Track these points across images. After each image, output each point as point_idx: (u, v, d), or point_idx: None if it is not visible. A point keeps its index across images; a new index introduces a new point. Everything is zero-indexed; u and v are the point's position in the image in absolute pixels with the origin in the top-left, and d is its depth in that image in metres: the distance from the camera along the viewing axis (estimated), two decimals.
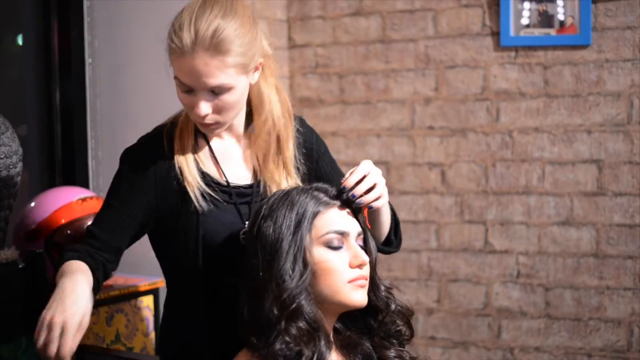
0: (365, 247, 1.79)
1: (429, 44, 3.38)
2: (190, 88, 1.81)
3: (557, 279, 3.21)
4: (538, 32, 3.18)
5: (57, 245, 2.51)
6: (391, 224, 2.00)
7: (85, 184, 3.06)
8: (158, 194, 1.91)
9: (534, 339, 3.25)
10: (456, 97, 3.34)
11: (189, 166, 1.90)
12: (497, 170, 3.29)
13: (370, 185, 1.80)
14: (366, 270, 1.76)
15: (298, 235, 1.71)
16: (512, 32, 3.21)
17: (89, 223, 2.46)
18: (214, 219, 1.90)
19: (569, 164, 3.17)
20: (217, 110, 1.83)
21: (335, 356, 1.76)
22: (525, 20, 3.19)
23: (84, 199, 2.57)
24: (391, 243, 2.05)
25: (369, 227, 1.87)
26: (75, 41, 3.10)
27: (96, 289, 1.82)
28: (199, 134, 1.94)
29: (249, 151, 1.99)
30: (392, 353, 1.83)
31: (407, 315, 1.86)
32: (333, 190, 1.80)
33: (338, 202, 1.78)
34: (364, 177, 1.80)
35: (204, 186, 1.90)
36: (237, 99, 1.84)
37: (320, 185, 1.81)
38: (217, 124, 1.87)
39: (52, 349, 1.64)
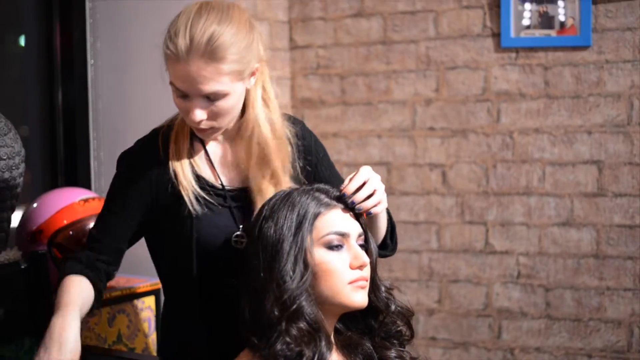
0: (366, 248, 1.80)
1: (429, 45, 3.38)
2: (186, 94, 1.81)
3: (558, 280, 3.21)
4: (538, 33, 3.19)
5: (59, 246, 2.52)
6: (387, 227, 2.00)
7: (87, 185, 3.07)
8: (153, 197, 1.92)
9: (535, 339, 3.26)
10: (457, 98, 3.35)
11: (184, 170, 1.90)
12: (498, 171, 3.30)
13: (370, 192, 1.80)
14: (367, 272, 1.76)
15: (299, 237, 1.71)
16: (512, 33, 3.22)
17: (91, 224, 2.48)
18: (208, 223, 1.91)
19: (569, 164, 3.18)
20: (212, 116, 1.82)
21: (336, 356, 1.77)
22: (525, 22, 3.20)
23: (86, 200, 2.57)
24: (387, 247, 2.05)
25: None
26: (78, 42, 3.10)
27: (98, 300, 1.91)
28: (195, 137, 1.94)
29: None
30: (392, 353, 1.84)
31: (407, 315, 1.86)
32: (334, 192, 1.80)
33: (339, 203, 1.79)
34: (364, 183, 1.80)
35: (198, 190, 1.90)
36: (232, 105, 1.84)
37: (321, 186, 1.82)
38: (213, 129, 1.86)
39: None
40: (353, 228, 1.77)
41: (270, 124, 1.93)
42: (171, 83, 1.82)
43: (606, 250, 3.14)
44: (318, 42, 3.58)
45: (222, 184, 1.94)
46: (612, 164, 3.11)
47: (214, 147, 1.97)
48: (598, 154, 3.13)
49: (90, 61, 3.10)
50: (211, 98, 1.80)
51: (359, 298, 1.74)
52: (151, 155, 1.93)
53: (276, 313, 1.67)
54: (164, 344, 2.10)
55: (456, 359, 3.39)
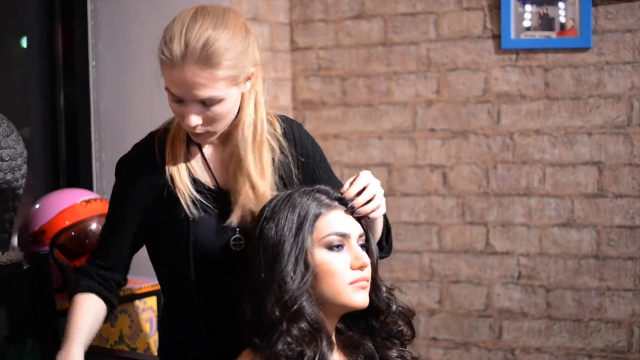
0: (367, 249, 1.81)
1: (430, 47, 3.39)
2: (181, 99, 1.80)
3: (558, 280, 3.22)
4: (539, 35, 3.19)
5: (61, 246, 2.53)
6: (383, 230, 2.01)
7: (89, 186, 3.07)
8: (151, 201, 1.93)
9: (535, 339, 3.26)
10: (457, 99, 3.36)
11: (180, 173, 1.91)
12: (498, 172, 3.30)
13: (370, 196, 1.81)
14: (367, 272, 1.77)
15: (300, 237, 1.72)
16: (513, 35, 3.22)
17: (93, 225, 2.48)
18: (204, 226, 1.91)
19: (569, 165, 3.19)
20: (208, 120, 1.82)
21: (337, 356, 1.77)
22: (526, 23, 3.21)
23: (88, 201, 2.58)
24: (382, 248, 2.05)
25: None
26: (79, 44, 3.10)
27: (110, 312, 1.99)
28: (191, 140, 1.94)
29: None
30: (394, 353, 1.84)
31: (408, 315, 1.87)
32: (335, 193, 1.81)
33: (340, 204, 1.79)
34: (364, 188, 1.81)
35: (194, 193, 1.90)
36: (228, 110, 1.83)
37: (322, 187, 1.82)
38: (208, 134, 1.86)
39: None
40: (354, 229, 1.77)
41: (253, 126, 1.91)
42: (166, 88, 1.82)
43: (606, 251, 3.14)
44: (319, 43, 3.59)
45: (218, 187, 1.94)
46: (612, 165, 3.12)
47: (211, 150, 1.97)
48: (598, 155, 3.14)
49: (92, 62, 3.11)
50: (206, 103, 1.79)
51: (360, 298, 1.75)
52: (148, 159, 1.93)
53: (277, 313, 1.68)
54: (163, 344, 2.11)
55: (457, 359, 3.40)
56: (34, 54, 3.13)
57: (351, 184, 1.81)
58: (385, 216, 2.00)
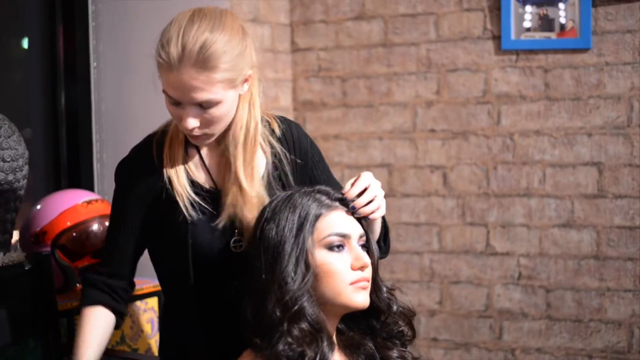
0: (368, 249, 1.81)
1: (430, 48, 3.40)
2: (178, 101, 1.80)
3: (558, 281, 3.22)
4: (539, 35, 3.20)
5: (63, 247, 2.53)
6: (381, 231, 2.01)
7: (90, 187, 3.08)
8: (150, 204, 1.93)
9: (535, 340, 3.27)
10: (458, 100, 3.36)
11: (179, 176, 1.91)
12: (499, 172, 3.31)
13: (371, 197, 1.81)
14: (368, 272, 1.77)
15: (300, 238, 1.72)
16: (513, 36, 3.23)
17: (95, 226, 2.48)
18: (203, 228, 1.91)
19: (569, 166, 3.19)
20: (205, 123, 1.82)
21: (338, 356, 1.78)
22: (526, 24, 3.21)
23: (89, 202, 2.59)
24: (380, 249, 2.06)
25: None
26: (80, 45, 3.11)
27: (120, 320, 2.00)
28: (189, 142, 1.94)
29: None
30: (394, 353, 1.84)
31: (409, 316, 1.87)
32: (335, 193, 1.81)
33: (340, 205, 1.80)
34: (365, 189, 1.82)
35: (193, 195, 1.90)
36: (225, 112, 1.83)
37: (322, 188, 1.82)
38: (206, 136, 1.86)
39: None
40: (354, 229, 1.78)
41: (246, 128, 1.91)
42: (164, 91, 1.82)
43: (606, 251, 3.15)
44: (319, 44, 3.59)
45: (217, 189, 1.94)
46: (612, 166, 3.12)
47: (208, 152, 1.97)
48: (598, 155, 3.15)
49: (93, 63, 3.11)
50: (204, 106, 1.79)
51: (361, 299, 1.75)
52: (146, 162, 1.93)
53: (278, 314, 1.68)
54: (163, 345, 2.11)
55: None
56: (35, 55, 3.14)
57: (353, 184, 1.82)
58: (383, 217, 2.01)
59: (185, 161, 1.93)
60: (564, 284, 3.21)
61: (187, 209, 1.89)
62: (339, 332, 1.84)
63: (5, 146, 2.14)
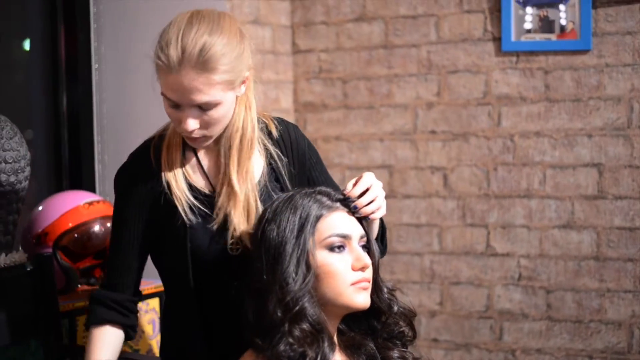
0: (368, 250, 1.82)
1: (431, 49, 3.40)
2: (177, 104, 1.81)
3: (558, 282, 3.23)
4: (539, 37, 3.21)
5: (64, 248, 2.54)
6: (378, 231, 2.02)
7: (91, 188, 3.08)
8: (149, 209, 1.94)
9: (536, 341, 3.27)
10: (458, 101, 3.37)
11: (177, 180, 1.91)
12: (499, 174, 3.31)
13: (372, 197, 1.82)
14: (369, 273, 1.78)
15: (301, 239, 1.73)
16: (513, 38, 3.23)
17: (96, 227, 2.48)
18: (201, 231, 1.91)
19: (569, 167, 3.19)
20: (204, 125, 1.82)
21: (339, 357, 1.78)
22: (526, 26, 3.22)
23: (90, 203, 2.59)
24: None
25: None
26: (82, 46, 3.11)
27: (132, 334, 2.00)
28: (187, 146, 1.94)
29: None
30: (395, 354, 1.85)
31: (409, 316, 1.88)
32: (336, 194, 1.82)
33: (341, 206, 1.80)
34: (367, 189, 1.82)
35: (192, 199, 1.91)
36: (224, 113, 1.84)
37: (323, 189, 1.83)
38: (205, 138, 1.86)
39: None
40: (355, 230, 1.78)
41: (242, 130, 1.91)
42: (162, 93, 1.82)
43: (606, 252, 3.15)
44: (320, 46, 3.60)
45: (214, 191, 1.94)
46: (612, 167, 3.13)
47: (205, 154, 1.97)
48: (598, 156, 3.15)
49: (94, 65, 3.12)
50: (203, 108, 1.80)
51: (361, 299, 1.76)
52: (144, 168, 1.94)
53: (279, 314, 1.69)
54: (165, 346, 2.12)
55: None
56: (37, 57, 3.14)
57: (355, 184, 1.83)
58: (380, 217, 2.02)
59: (183, 165, 1.94)
60: (564, 284, 3.22)
61: (185, 213, 1.90)
62: (339, 332, 1.84)
63: (7, 148, 2.15)
